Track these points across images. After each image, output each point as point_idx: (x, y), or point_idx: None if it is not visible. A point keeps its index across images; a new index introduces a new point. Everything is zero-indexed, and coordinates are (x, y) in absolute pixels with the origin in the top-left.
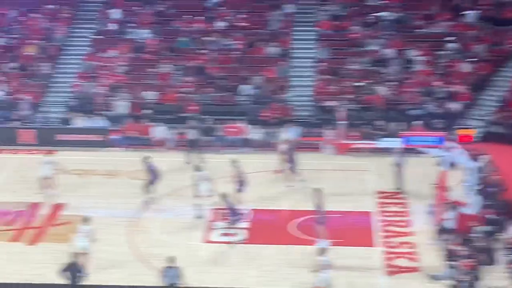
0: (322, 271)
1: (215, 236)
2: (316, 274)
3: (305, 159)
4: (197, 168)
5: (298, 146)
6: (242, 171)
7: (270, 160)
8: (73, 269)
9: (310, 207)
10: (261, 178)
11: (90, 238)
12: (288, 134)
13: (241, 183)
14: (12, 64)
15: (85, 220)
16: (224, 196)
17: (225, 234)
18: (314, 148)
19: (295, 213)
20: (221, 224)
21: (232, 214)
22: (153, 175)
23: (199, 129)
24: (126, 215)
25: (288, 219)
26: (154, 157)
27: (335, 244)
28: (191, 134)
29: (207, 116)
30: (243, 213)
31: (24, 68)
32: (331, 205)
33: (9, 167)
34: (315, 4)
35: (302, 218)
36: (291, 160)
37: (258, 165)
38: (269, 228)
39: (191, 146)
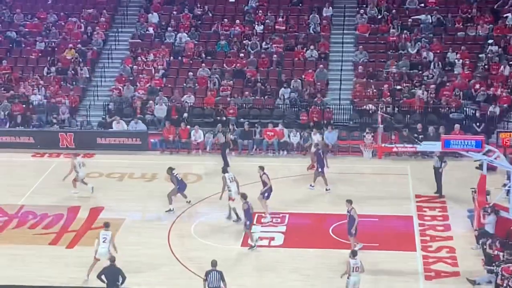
0: (352, 274)
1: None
2: (346, 277)
3: (344, 163)
4: (226, 171)
5: (330, 150)
6: (268, 178)
7: (307, 164)
8: (110, 273)
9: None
10: (298, 182)
11: (111, 244)
12: (317, 137)
13: (267, 189)
14: (51, 68)
15: (106, 225)
16: (243, 197)
17: (263, 238)
18: (353, 151)
19: (331, 217)
20: (258, 227)
21: (246, 217)
22: (179, 185)
23: (237, 133)
24: (163, 219)
25: (324, 222)
26: (192, 161)
27: (374, 248)
28: (229, 138)
29: (245, 120)
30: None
31: (63, 72)
32: (370, 209)
33: (49, 170)
34: (353, 7)
35: (338, 222)
36: (320, 164)
37: (296, 169)
38: (306, 232)
39: (229, 149)
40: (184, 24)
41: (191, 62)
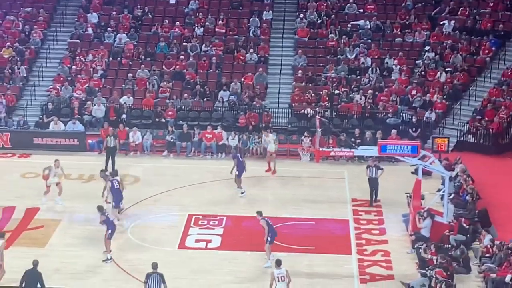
0: (278, 285)
1: (190, 242)
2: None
3: (282, 166)
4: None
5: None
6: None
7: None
8: (31, 277)
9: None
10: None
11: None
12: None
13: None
14: None
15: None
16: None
17: (200, 240)
18: (291, 155)
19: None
20: (196, 229)
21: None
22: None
23: (176, 135)
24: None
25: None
26: (130, 162)
27: (311, 251)
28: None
29: (184, 122)
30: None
31: (0, 71)
32: (307, 212)
33: None
34: (293, 11)
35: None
36: (240, 168)
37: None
38: (243, 235)
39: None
40: (124, 25)
41: (130, 63)
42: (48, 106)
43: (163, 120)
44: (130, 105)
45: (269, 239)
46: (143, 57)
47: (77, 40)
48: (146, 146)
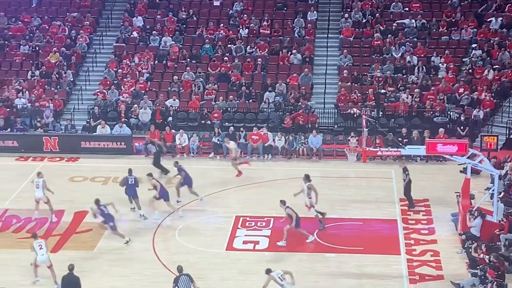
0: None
1: (237, 243)
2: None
3: (328, 167)
4: None
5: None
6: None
7: (292, 167)
8: (68, 282)
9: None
10: (283, 185)
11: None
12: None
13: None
14: (35, 72)
15: (34, 236)
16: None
17: (248, 242)
18: (338, 155)
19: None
20: (244, 231)
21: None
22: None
23: (222, 137)
24: (148, 223)
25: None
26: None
27: (359, 251)
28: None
29: (230, 124)
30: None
31: (47, 75)
32: (354, 213)
33: (33, 174)
34: (338, 11)
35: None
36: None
37: (281, 172)
38: (290, 236)
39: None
40: (169, 27)
41: (175, 65)
42: (95, 110)
43: (209, 122)
44: (176, 107)
45: (293, 224)
46: (188, 59)
47: (123, 44)
48: (192, 148)
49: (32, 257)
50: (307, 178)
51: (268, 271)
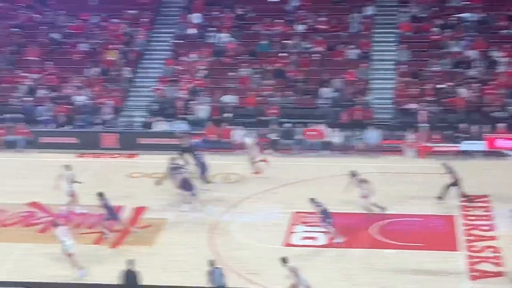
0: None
1: (296, 239)
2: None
3: (386, 162)
4: None
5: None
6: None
7: (349, 164)
8: (128, 276)
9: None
10: (341, 181)
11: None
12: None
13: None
14: (94, 69)
15: (55, 224)
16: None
17: (306, 238)
18: (396, 151)
19: (373, 216)
20: (302, 227)
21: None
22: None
23: (279, 132)
24: (206, 218)
25: (367, 222)
26: (234, 161)
27: (418, 248)
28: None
29: (287, 119)
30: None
31: (106, 73)
32: (413, 209)
33: (91, 170)
34: (395, 5)
35: (383, 222)
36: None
37: (338, 168)
38: (348, 232)
39: (272, 149)
40: (226, 24)
41: (232, 62)
42: (153, 107)
43: (266, 118)
44: (233, 104)
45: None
46: (245, 55)
47: (180, 41)
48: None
49: (61, 246)
50: (353, 174)
51: (285, 261)
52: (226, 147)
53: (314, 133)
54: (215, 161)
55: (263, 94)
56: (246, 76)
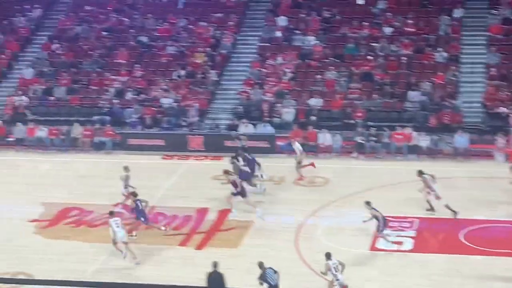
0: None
1: (381, 244)
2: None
3: (475, 167)
4: None
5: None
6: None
7: (437, 167)
8: (214, 279)
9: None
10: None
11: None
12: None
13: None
14: (181, 72)
15: (111, 213)
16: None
17: (393, 242)
18: (485, 155)
19: (462, 222)
20: (388, 231)
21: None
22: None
23: (366, 136)
24: (291, 221)
25: (455, 227)
26: (320, 164)
27: (507, 254)
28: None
29: (373, 123)
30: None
31: (193, 75)
32: (502, 214)
33: (178, 172)
34: (485, 8)
35: (469, 228)
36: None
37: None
38: (436, 237)
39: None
40: (312, 27)
41: (319, 65)
42: (238, 109)
43: (353, 121)
44: (319, 107)
45: (380, 228)
46: (332, 58)
47: (267, 44)
48: (335, 148)
49: (110, 235)
50: (421, 173)
51: (328, 256)
52: (312, 150)
53: (401, 136)
54: None
55: (350, 97)
56: (332, 79)
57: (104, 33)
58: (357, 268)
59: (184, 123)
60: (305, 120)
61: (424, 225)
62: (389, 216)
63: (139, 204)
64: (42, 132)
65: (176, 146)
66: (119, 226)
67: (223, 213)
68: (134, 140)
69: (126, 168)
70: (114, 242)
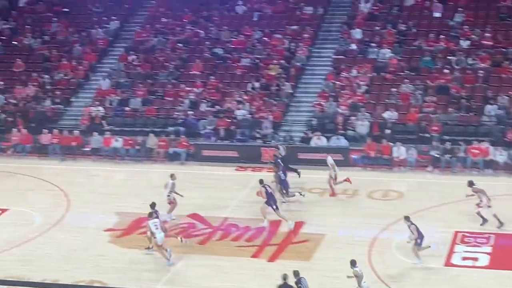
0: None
1: (456, 259)
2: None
3: None
4: None
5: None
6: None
7: None
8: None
9: None
10: (505, 201)
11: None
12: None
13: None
14: (255, 84)
15: (150, 215)
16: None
17: (467, 258)
18: None
19: None
20: (462, 247)
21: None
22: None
23: (441, 150)
24: (363, 235)
25: None
26: (394, 178)
27: None
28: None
29: (449, 137)
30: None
31: (267, 87)
32: None
33: (251, 184)
34: None
35: None
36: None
37: (502, 188)
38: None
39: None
40: (388, 39)
41: (394, 78)
42: (312, 122)
43: (428, 135)
44: (394, 120)
45: (419, 241)
46: (407, 71)
47: (341, 56)
48: (410, 161)
49: (149, 238)
50: (471, 183)
51: (353, 264)
52: (386, 163)
53: (477, 151)
54: (374, 178)
55: (425, 110)
56: (407, 92)
57: (180, 44)
58: (431, 284)
59: (257, 135)
60: (379, 133)
61: (501, 241)
62: (464, 232)
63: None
64: (117, 142)
65: (249, 158)
66: (158, 228)
67: (296, 225)
68: (208, 151)
69: (172, 176)
70: (157, 245)
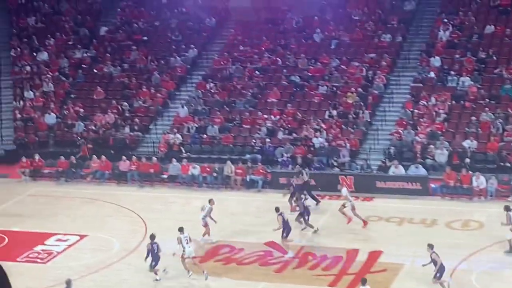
0: None
1: None
2: None
3: None
4: None
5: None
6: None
7: None
8: None
9: None
10: None
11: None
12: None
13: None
14: (332, 112)
15: (180, 229)
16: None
17: None
18: None
19: None
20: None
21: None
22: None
23: None
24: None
25: None
26: (474, 208)
27: None
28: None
29: None
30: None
31: (344, 115)
32: None
33: (329, 212)
34: None
35: None
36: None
37: None
38: None
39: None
40: (467, 67)
41: (473, 106)
42: (390, 150)
43: (508, 164)
44: (473, 149)
45: (438, 275)
46: (487, 99)
47: (420, 84)
48: (490, 191)
49: (179, 250)
50: (508, 208)
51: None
52: (466, 193)
53: None
54: (453, 207)
55: (506, 139)
56: (487, 120)
57: (257, 72)
58: None
59: (335, 163)
60: (459, 162)
61: None
62: None
63: (155, 247)
64: (195, 169)
65: (326, 186)
66: (188, 242)
67: (374, 255)
68: (285, 179)
69: (211, 201)
70: (183, 258)
